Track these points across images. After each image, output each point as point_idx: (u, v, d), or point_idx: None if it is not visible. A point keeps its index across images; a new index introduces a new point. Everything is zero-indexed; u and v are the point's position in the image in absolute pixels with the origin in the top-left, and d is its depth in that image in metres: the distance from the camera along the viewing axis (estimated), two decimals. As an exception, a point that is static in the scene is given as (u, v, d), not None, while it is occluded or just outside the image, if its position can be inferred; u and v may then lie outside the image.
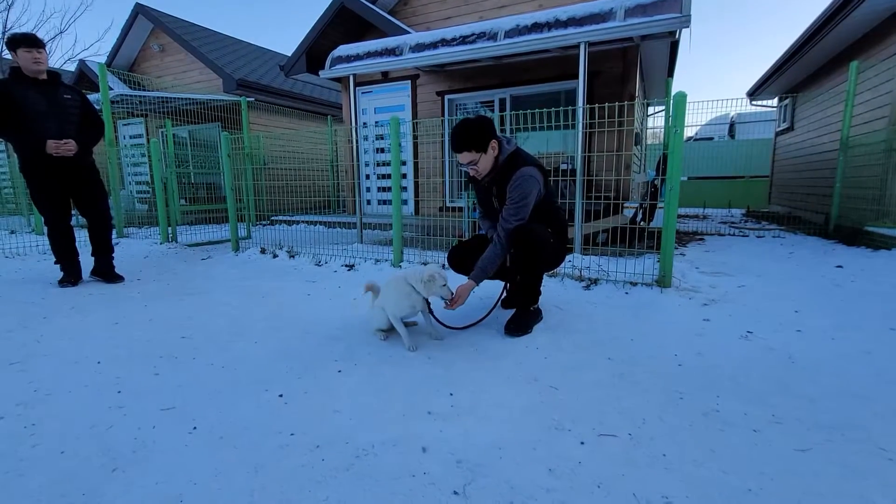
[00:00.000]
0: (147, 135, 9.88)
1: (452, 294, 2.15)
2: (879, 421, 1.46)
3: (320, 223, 6.76)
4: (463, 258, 2.50)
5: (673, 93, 2.79)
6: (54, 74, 3.24)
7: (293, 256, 4.45)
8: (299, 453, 1.32)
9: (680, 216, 8.28)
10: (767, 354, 2.01)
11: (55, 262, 3.49)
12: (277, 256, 4.51)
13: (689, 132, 13.68)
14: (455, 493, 1.15)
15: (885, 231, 4.32)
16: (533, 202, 2.25)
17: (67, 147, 3.15)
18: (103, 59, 11.02)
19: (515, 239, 2.21)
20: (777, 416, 1.49)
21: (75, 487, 1.19)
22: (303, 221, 6.81)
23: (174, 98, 8.22)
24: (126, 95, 7.72)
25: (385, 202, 7.30)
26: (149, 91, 8.49)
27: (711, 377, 1.79)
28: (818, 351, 2.03)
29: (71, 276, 3.46)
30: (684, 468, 1.24)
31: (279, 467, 1.25)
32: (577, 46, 4.19)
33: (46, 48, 3.18)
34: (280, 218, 7.33)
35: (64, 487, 1.19)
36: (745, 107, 10.28)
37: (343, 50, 5.50)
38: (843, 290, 3.01)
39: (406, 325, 2.20)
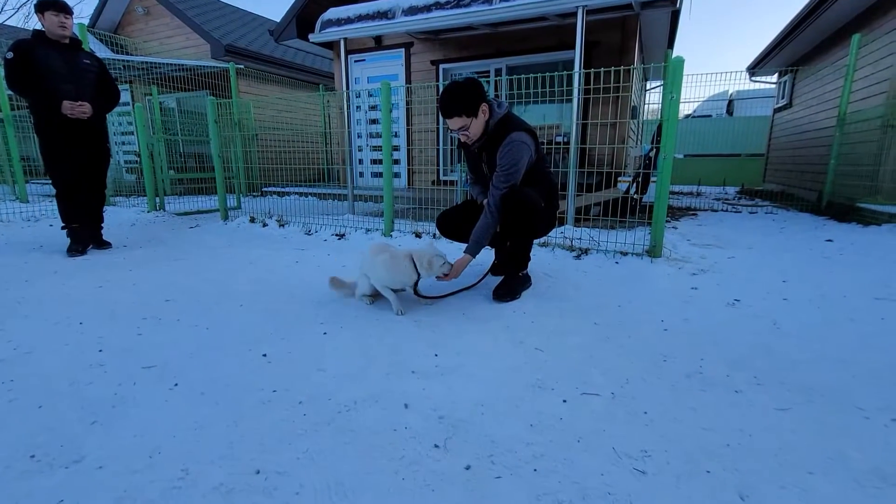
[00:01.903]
0: (133, 102, 9.59)
1: (451, 265, 2.13)
2: (860, 384, 1.47)
3: (312, 195, 6.66)
4: (452, 222, 2.47)
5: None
6: (76, 41, 3.30)
7: (283, 225, 4.39)
8: (281, 408, 1.31)
9: (674, 193, 8.25)
10: (753, 321, 2.01)
11: (62, 227, 3.37)
12: (267, 225, 4.46)
13: (687, 108, 13.51)
14: (436, 446, 1.15)
15: (877, 207, 4.32)
16: (524, 169, 2.20)
17: (82, 109, 3.16)
18: (85, 22, 10.60)
19: (506, 204, 2.17)
20: (759, 379, 1.50)
21: (53, 439, 1.18)
22: (294, 193, 6.71)
23: (160, 63, 7.94)
24: (108, 59, 7.44)
25: (378, 174, 7.19)
26: (133, 56, 8.20)
27: (696, 342, 1.80)
28: (803, 318, 2.04)
29: (80, 243, 3.36)
30: (664, 425, 1.24)
31: (260, 421, 1.25)
32: (574, 14, 4.06)
33: (73, 15, 3.23)
34: (271, 189, 7.22)
35: (41, 439, 1.18)
36: (745, 84, 10.11)
37: (333, 13, 5.31)
38: (832, 262, 3.02)
39: (394, 290, 2.18)
